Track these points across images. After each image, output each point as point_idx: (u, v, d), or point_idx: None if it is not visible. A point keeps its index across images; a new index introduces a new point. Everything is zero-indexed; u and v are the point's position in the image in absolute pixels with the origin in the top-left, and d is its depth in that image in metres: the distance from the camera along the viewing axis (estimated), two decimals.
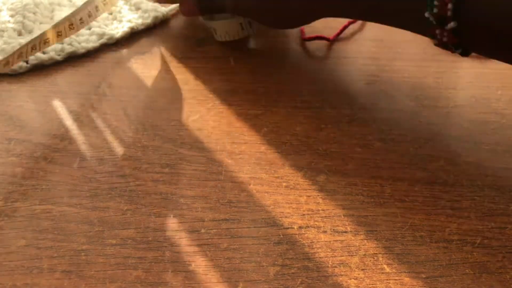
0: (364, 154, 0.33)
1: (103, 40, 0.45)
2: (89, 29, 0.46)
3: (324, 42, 0.45)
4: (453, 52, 0.30)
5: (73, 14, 0.41)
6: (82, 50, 0.44)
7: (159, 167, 0.32)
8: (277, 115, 0.37)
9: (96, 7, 0.42)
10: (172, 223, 0.29)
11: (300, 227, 0.28)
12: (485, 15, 0.27)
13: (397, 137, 0.34)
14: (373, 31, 0.47)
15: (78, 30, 0.41)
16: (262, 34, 0.47)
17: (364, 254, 0.27)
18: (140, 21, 0.48)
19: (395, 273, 0.26)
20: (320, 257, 0.26)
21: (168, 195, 0.30)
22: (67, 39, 0.44)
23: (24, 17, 0.46)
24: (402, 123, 0.36)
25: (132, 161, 0.33)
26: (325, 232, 0.28)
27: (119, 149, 0.34)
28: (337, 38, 0.45)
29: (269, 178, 0.31)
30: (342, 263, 0.26)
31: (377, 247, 0.27)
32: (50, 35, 0.39)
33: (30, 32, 0.46)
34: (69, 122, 0.36)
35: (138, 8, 0.50)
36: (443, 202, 0.29)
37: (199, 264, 0.26)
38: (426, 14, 0.29)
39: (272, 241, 0.27)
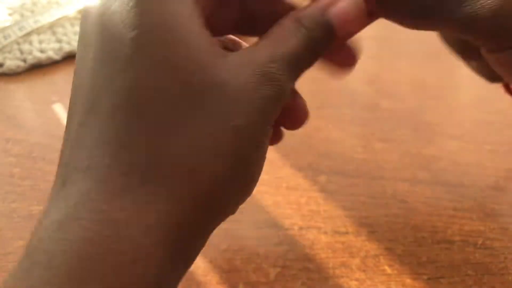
0: (365, 154, 0.33)
1: None
2: None
3: None
4: None
5: None
6: None
7: None
8: None
9: None
10: None
11: (301, 228, 0.28)
12: None
13: (399, 137, 0.34)
14: (375, 29, 0.47)
15: None
16: None
17: (365, 255, 0.26)
18: None
19: (397, 274, 0.25)
20: (321, 258, 0.26)
21: None
22: (65, 38, 0.44)
23: (21, 15, 0.46)
24: (404, 123, 0.35)
25: None
26: (326, 233, 0.28)
27: None
28: None
29: (270, 179, 0.31)
30: (343, 264, 0.26)
31: (379, 248, 0.27)
32: None
33: (27, 31, 0.45)
34: None
35: None
36: (445, 202, 0.29)
37: (199, 265, 0.26)
38: None
39: (272, 242, 0.27)
